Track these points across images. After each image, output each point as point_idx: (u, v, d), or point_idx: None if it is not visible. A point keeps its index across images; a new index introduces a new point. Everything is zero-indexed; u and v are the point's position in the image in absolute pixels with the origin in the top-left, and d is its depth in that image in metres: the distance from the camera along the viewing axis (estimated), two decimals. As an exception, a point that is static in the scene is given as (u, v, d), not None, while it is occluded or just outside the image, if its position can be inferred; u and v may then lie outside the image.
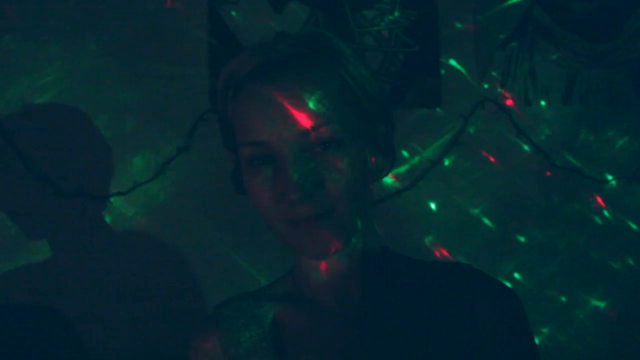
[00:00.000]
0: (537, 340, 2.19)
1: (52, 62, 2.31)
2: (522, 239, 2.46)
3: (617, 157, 2.53)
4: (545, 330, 2.44)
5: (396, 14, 2.43)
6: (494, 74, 2.49)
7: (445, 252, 2.42)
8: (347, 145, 1.09)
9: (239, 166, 1.16)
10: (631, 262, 2.49)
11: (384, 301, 1.17)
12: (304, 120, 1.07)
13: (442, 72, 2.46)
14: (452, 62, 2.47)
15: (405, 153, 2.43)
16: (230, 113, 1.15)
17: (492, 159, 2.47)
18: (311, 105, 1.07)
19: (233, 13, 2.38)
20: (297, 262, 1.22)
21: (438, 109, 2.45)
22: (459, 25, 2.48)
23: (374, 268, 1.19)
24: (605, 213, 2.51)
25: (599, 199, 2.50)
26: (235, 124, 1.13)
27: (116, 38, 2.34)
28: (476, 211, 2.45)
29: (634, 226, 2.51)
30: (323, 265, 1.17)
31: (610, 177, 2.51)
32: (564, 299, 2.47)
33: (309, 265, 1.19)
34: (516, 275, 2.45)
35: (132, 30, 2.34)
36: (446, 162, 2.45)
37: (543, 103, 2.49)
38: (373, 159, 1.17)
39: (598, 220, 2.50)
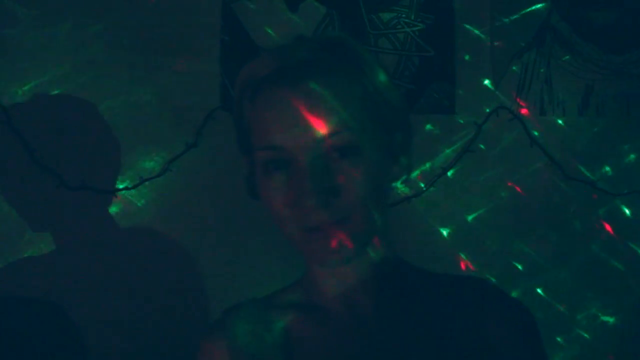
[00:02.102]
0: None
1: (61, 55, 2.29)
2: (532, 250, 2.44)
3: (632, 170, 2.51)
4: (557, 340, 2.42)
5: (412, 17, 2.42)
6: (509, 82, 2.47)
7: (450, 261, 2.41)
8: (365, 153, 1.08)
9: (253, 170, 1.14)
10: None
11: (396, 312, 1.16)
12: (322, 127, 1.06)
13: (457, 78, 2.44)
14: (468, 69, 2.45)
15: (416, 159, 2.41)
16: (246, 116, 1.14)
17: (504, 168, 2.46)
18: (329, 111, 1.06)
19: (248, 9, 2.36)
20: (309, 270, 1.21)
21: (452, 115, 2.44)
22: (476, 31, 2.46)
23: (387, 278, 1.18)
24: (618, 227, 2.49)
25: (612, 213, 2.49)
26: (252, 128, 1.12)
27: (127, 31, 2.32)
28: (486, 220, 2.43)
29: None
30: (335, 274, 1.16)
31: (624, 191, 2.49)
32: (574, 311, 2.45)
33: (320, 273, 1.18)
34: (526, 286, 2.43)
35: (144, 24, 2.33)
36: (458, 170, 2.43)
37: (558, 116, 2.47)
38: (390, 168, 1.16)
39: (610, 234, 2.49)
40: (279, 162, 1.08)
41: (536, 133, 2.46)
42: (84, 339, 2.01)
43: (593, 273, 2.47)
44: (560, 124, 2.49)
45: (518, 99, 2.47)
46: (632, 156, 2.52)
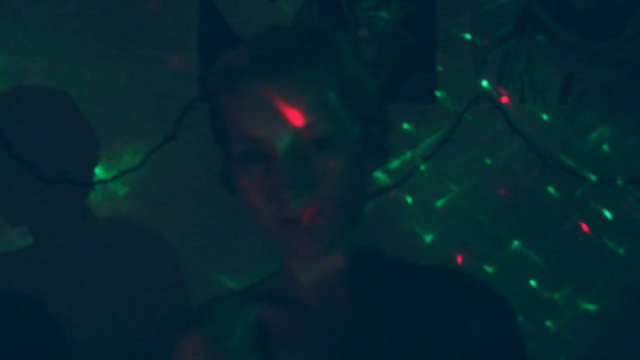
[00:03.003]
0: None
1: (37, 45, 2.27)
2: (513, 237, 2.46)
3: (613, 158, 2.53)
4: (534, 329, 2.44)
5: (393, 5, 2.41)
6: (490, 70, 2.47)
7: (433, 248, 2.42)
8: (341, 145, 1.07)
9: (228, 162, 1.13)
10: (623, 263, 2.50)
11: (373, 304, 1.15)
12: (298, 119, 1.04)
13: (438, 67, 2.44)
14: (448, 57, 2.45)
15: (396, 148, 2.42)
16: (222, 107, 1.12)
17: (485, 157, 2.47)
18: (306, 103, 1.05)
19: (226, -1, 2.35)
20: (285, 261, 1.19)
21: (432, 105, 2.44)
22: (456, 20, 2.47)
23: (364, 270, 1.17)
24: (600, 214, 2.51)
25: (593, 200, 2.50)
26: (227, 119, 1.11)
27: (104, 22, 2.30)
28: (467, 208, 2.44)
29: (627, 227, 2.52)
30: (311, 266, 1.15)
31: (605, 178, 2.51)
32: (554, 299, 2.47)
33: (297, 265, 1.17)
34: (507, 274, 2.45)
35: (121, 13, 2.31)
36: (439, 159, 2.43)
37: (539, 104, 2.48)
38: (367, 160, 1.15)
39: (591, 221, 2.51)
40: (255, 154, 1.07)
41: (517, 121, 2.47)
42: (64, 334, 2.00)
43: (572, 260, 2.49)
44: (541, 112, 2.50)
45: (499, 87, 2.47)
46: (612, 143, 2.54)
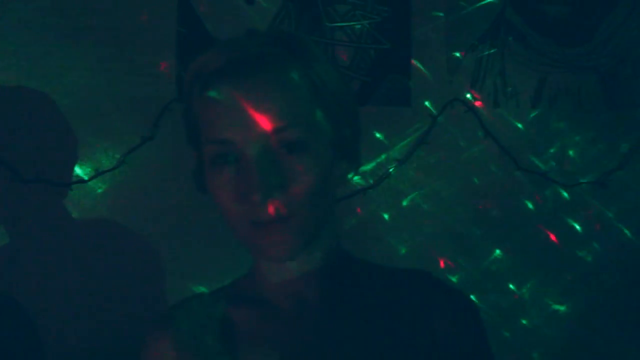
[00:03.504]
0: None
1: (13, 44, 2.26)
2: (485, 239, 2.48)
3: (583, 162, 2.55)
4: (507, 334, 2.46)
5: (368, 9, 2.42)
6: (464, 75, 2.49)
7: (406, 251, 2.42)
8: (312, 149, 1.09)
9: (201, 164, 1.15)
10: (591, 263, 2.54)
11: (341, 306, 1.17)
12: (269, 122, 1.06)
13: (413, 70, 2.45)
14: (423, 61, 2.46)
15: (371, 151, 2.43)
16: (195, 109, 1.14)
17: (458, 160, 2.48)
18: (277, 107, 1.06)
19: (205, 0, 2.35)
20: (255, 263, 1.21)
21: (407, 108, 2.45)
22: (431, 24, 2.48)
23: (333, 272, 1.19)
24: (569, 217, 2.53)
25: (563, 203, 2.53)
26: (201, 121, 1.12)
27: (82, 22, 2.29)
28: (440, 211, 2.46)
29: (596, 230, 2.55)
30: (281, 267, 1.17)
31: (575, 182, 2.53)
32: (524, 299, 2.49)
33: (266, 267, 1.18)
34: (478, 276, 2.46)
35: (99, 14, 2.30)
36: (413, 162, 2.44)
37: (511, 108, 2.50)
38: (338, 164, 1.16)
39: (562, 224, 2.53)
40: (227, 156, 1.08)
41: (490, 125, 2.48)
42: (39, 331, 2.00)
43: (542, 262, 2.51)
44: (513, 116, 2.52)
45: (472, 91, 2.49)
46: (582, 147, 2.55)
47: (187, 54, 2.30)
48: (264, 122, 1.06)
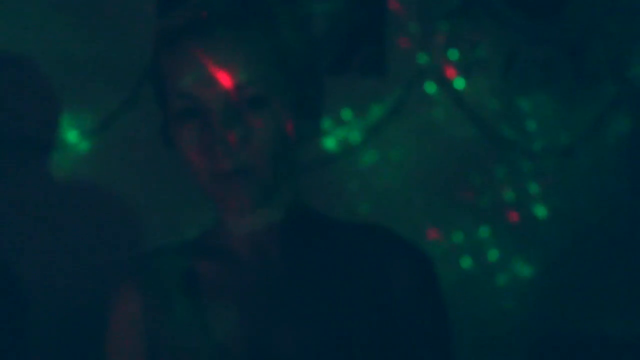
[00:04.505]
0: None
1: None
2: (456, 208, 2.52)
3: (552, 132, 2.59)
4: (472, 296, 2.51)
5: (344, -20, 2.45)
6: (437, 45, 2.51)
7: (378, 219, 2.43)
8: (272, 105, 1.13)
9: (167, 119, 1.19)
10: (557, 231, 2.59)
11: (302, 258, 1.21)
12: (230, 78, 1.10)
13: (387, 41, 2.48)
14: (397, 32, 2.49)
15: (344, 120, 2.47)
16: (162, 65, 1.17)
17: (430, 129, 2.51)
18: (239, 64, 1.11)
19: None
20: (220, 216, 1.25)
21: (381, 77, 2.48)
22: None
23: (295, 225, 1.22)
24: (538, 186, 2.59)
25: (533, 172, 2.58)
26: (166, 77, 1.16)
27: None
28: (412, 180, 2.49)
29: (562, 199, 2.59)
30: (245, 220, 1.20)
31: (543, 151, 2.58)
32: (490, 263, 2.55)
33: (230, 219, 1.22)
34: (447, 242, 2.52)
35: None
36: (385, 131, 2.48)
37: (483, 80, 2.54)
38: (300, 123, 1.20)
39: (531, 192, 2.57)
40: (192, 111, 1.12)
41: (461, 95, 2.52)
42: (25, 292, 2.03)
43: (513, 229, 2.57)
44: (485, 87, 2.56)
45: (444, 63, 2.52)
46: (551, 118, 2.60)
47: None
48: (225, 79, 1.10)
